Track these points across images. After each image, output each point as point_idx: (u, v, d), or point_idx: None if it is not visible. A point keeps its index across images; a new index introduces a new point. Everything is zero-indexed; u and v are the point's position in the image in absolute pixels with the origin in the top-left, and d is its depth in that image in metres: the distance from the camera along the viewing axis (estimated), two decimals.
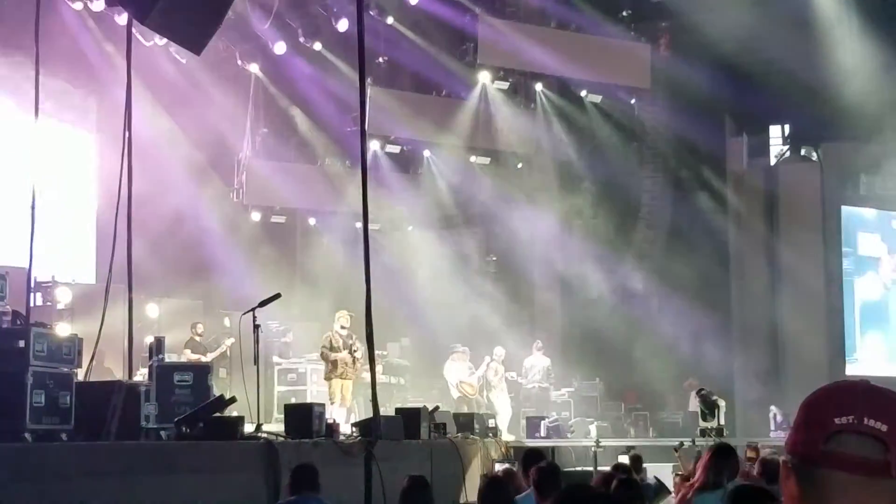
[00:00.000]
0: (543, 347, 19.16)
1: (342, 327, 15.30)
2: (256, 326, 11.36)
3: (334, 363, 15.23)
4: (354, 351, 15.23)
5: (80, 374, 9.44)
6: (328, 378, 15.44)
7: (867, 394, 1.73)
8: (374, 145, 20.65)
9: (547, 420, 17.33)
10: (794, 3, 19.21)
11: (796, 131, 23.77)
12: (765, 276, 22.61)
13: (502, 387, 18.33)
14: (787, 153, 23.83)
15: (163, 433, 9.12)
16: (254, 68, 19.64)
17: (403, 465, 10.79)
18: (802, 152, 23.84)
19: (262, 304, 11.67)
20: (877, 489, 1.67)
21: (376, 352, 16.65)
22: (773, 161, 23.78)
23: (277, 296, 12.07)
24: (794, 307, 22.15)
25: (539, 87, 21.26)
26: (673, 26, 20.70)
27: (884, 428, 1.67)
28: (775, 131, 23.95)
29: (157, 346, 10.55)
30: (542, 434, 16.80)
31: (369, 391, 11.69)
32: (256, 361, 11.08)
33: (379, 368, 16.77)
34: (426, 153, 21.75)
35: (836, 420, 1.69)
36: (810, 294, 22.31)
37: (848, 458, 1.67)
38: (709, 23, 19.04)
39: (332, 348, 15.27)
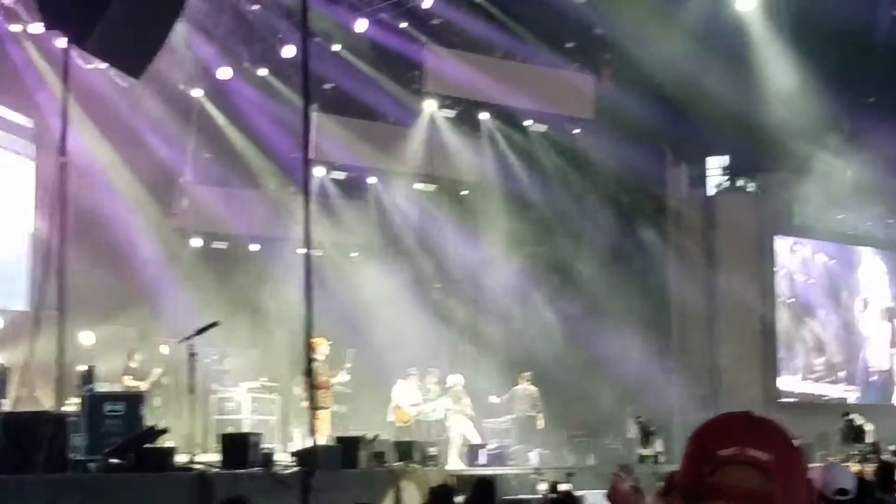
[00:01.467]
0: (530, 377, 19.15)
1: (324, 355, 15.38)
2: (192, 355, 11.26)
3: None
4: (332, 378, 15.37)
5: (7, 405, 9.29)
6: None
7: (751, 425, 1.76)
8: (319, 171, 20.59)
9: (488, 447, 17.32)
10: (731, 37, 19.57)
11: (734, 162, 24.20)
12: (703, 304, 22.92)
13: (466, 414, 18.25)
14: (725, 184, 24.24)
15: (92, 465, 8.99)
16: (197, 93, 19.53)
17: (342, 495, 10.74)
18: (740, 183, 24.27)
19: (200, 331, 11.59)
20: None
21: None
22: (711, 191, 24.16)
23: (215, 324, 11.99)
24: (731, 335, 22.50)
25: (484, 116, 21.37)
26: (616, 58, 20.95)
27: (766, 458, 1.70)
28: (714, 162, 24.36)
29: (88, 376, 10.42)
30: (483, 462, 16.75)
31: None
32: (192, 390, 10.98)
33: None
34: (372, 180, 21.74)
35: (721, 452, 1.71)
36: (746, 322, 22.69)
37: (732, 489, 1.68)
38: (650, 55, 19.31)
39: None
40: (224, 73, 18.74)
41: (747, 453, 1.70)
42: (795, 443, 1.79)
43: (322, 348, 15.31)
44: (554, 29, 19.95)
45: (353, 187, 21.78)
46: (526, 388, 19.08)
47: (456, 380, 18.34)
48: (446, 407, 18.04)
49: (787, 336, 23.88)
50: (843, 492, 5.52)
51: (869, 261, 25.18)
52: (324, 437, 14.70)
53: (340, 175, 21.20)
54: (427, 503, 7.18)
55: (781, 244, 23.82)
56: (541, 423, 18.87)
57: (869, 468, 13.02)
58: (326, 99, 19.74)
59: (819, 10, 18.83)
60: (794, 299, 24.16)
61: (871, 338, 24.96)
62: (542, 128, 21.52)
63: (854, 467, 14.64)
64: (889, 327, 25.28)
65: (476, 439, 17.86)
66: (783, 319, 23.82)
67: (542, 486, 13.94)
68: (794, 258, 24.10)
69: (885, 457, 14.82)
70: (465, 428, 18.01)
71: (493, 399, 19.11)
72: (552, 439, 19.49)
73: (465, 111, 21.07)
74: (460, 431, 17.94)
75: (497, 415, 19.41)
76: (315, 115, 18.83)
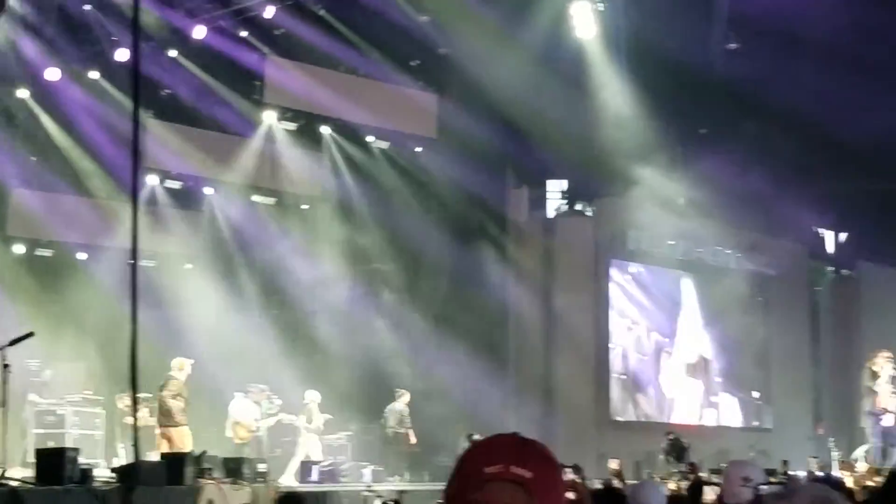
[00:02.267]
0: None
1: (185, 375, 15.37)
2: (5, 366, 10.70)
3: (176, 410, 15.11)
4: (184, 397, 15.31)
5: None
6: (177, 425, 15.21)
7: (516, 445, 1.84)
8: (152, 180, 20.04)
9: (321, 464, 17.15)
10: (571, 64, 20.02)
11: (572, 186, 24.74)
12: (541, 325, 23.29)
13: (318, 432, 18.11)
14: (564, 207, 24.74)
15: None
16: (23, 93, 18.69)
17: None
18: (578, 207, 24.82)
19: (13, 342, 11.05)
20: None
21: (145, 395, 16.21)
22: (551, 214, 24.61)
23: (30, 334, 11.45)
24: (566, 355, 22.92)
25: (326, 129, 21.19)
26: (459, 79, 21.13)
27: (528, 475, 1.78)
28: (553, 185, 24.84)
29: None
30: (315, 478, 16.59)
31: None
32: (3, 403, 10.43)
33: (146, 412, 16.24)
34: (208, 191, 21.22)
35: (487, 469, 1.79)
36: (581, 345, 23.18)
37: None
38: (493, 77, 19.57)
39: (175, 395, 15.15)
40: (52, 73, 17.97)
41: (511, 471, 1.78)
42: (556, 462, 1.88)
43: (186, 367, 15.41)
44: (399, 46, 20.00)
45: (188, 197, 21.25)
46: (395, 405, 19.05)
47: (312, 396, 18.17)
48: (300, 424, 17.96)
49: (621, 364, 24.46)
50: None
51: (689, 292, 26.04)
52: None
53: (175, 184, 20.64)
54: None
55: (617, 268, 24.39)
56: (413, 440, 18.89)
57: (685, 485, 13.51)
58: (162, 106, 19.23)
59: (656, 40, 19.47)
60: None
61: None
62: (385, 144, 21.51)
63: (671, 485, 15.14)
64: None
65: (320, 456, 17.69)
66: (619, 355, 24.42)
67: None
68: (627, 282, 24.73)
69: (703, 475, 15.33)
70: (312, 445, 17.81)
71: (327, 416, 18.87)
72: (389, 456, 19.42)
73: (306, 124, 20.86)
74: (307, 449, 17.78)
75: (331, 432, 19.21)
76: (149, 122, 18.32)
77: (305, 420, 17.98)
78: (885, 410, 17.20)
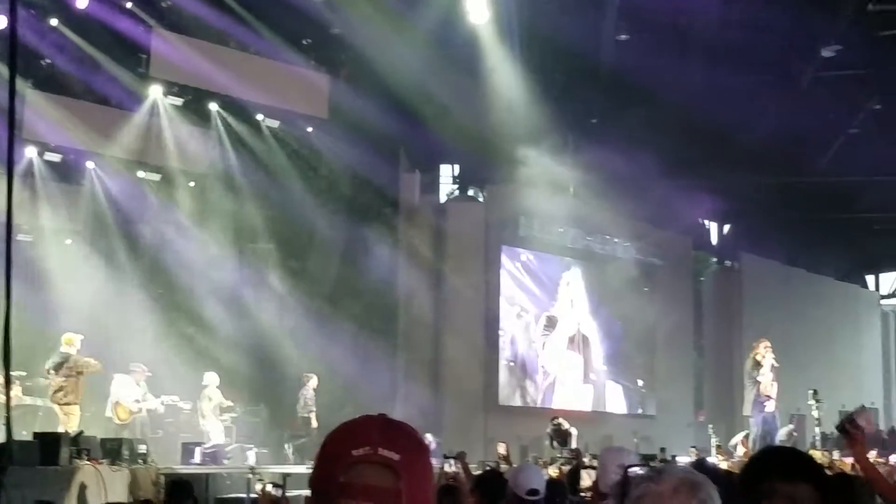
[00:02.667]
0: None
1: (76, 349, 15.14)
2: None
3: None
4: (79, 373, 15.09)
5: None
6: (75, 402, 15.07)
7: (383, 426, 1.83)
8: (30, 152, 19.41)
9: (203, 446, 16.90)
10: (463, 50, 20.09)
11: (464, 171, 24.85)
12: (431, 309, 23.34)
13: (216, 415, 17.87)
14: (456, 192, 24.83)
15: None
16: None
17: (37, 492, 10.23)
18: (470, 192, 24.93)
19: None
20: None
21: (19, 372, 15.72)
22: (443, 199, 24.67)
23: None
24: (456, 339, 23.02)
25: (214, 106, 20.81)
26: (352, 59, 21.01)
27: (396, 457, 1.78)
28: (446, 170, 24.92)
29: None
30: (197, 461, 16.37)
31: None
32: None
33: (18, 390, 15.76)
34: (90, 164, 20.61)
35: (354, 452, 1.77)
36: (470, 330, 23.30)
37: (363, 487, 1.75)
38: (386, 59, 19.50)
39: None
40: None
41: (378, 453, 1.77)
42: (424, 444, 1.88)
43: (75, 342, 15.25)
44: (291, 25, 19.80)
45: (69, 171, 20.60)
46: (304, 390, 19.04)
47: (211, 378, 17.97)
48: (201, 407, 17.74)
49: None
50: (533, 492, 5.69)
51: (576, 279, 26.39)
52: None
53: (55, 157, 19.98)
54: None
55: (507, 254, 24.53)
56: (314, 423, 18.79)
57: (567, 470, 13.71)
58: (42, 76, 18.64)
59: (549, 29, 19.66)
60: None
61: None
62: (275, 123, 21.24)
63: (552, 470, 15.35)
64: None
65: (221, 439, 17.54)
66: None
67: (259, 487, 13.71)
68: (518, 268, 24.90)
69: (585, 460, 15.57)
70: (215, 427, 17.74)
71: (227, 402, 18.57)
72: (273, 439, 19.25)
73: (193, 100, 20.43)
74: (211, 430, 17.66)
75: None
76: (27, 92, 17.74)
77: (207, 402, 17.68)
78: (768, 397, 17.73)
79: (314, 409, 18.87)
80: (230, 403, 18.33)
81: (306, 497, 1.82)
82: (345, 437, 1.81)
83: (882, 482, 5.04)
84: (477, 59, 20.47)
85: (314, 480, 1.81)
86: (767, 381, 17.75)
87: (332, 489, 1.76)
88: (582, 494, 8.40)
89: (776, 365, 17.95)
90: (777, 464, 2.70)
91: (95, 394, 17.40)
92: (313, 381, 19.09)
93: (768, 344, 18.24)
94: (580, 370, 25.95)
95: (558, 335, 25.50)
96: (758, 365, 17.93)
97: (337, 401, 19.96)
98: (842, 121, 25.84)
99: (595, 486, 5.93)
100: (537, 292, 25.20)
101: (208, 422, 17.81)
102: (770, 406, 17.73)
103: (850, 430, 4.75)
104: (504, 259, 24.39)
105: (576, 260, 26.04)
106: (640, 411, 27.12)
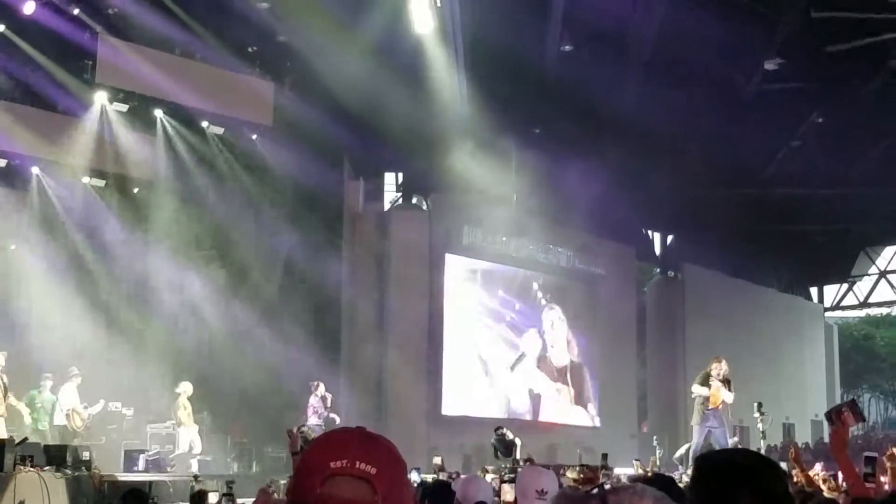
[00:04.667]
0: None
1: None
2: None
3: None
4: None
5: None
6: None
7: (361, 439, 1.82)
8: None
9: (146, 453, 16.86)
10: (408, 57, 20.25)
11: (408, 180, 24.99)
12: (374, 318, 23.37)
13: (191, 422, 17.77)
14: (400, 200, 24.96)
15: None
16: None
17: None
18: (414, 200, 25.07)
19: None
20: None
21: None
22: (386, 206, 24.79)
23: None
24: (399, 349, 23.07)
25: (160, 112, 20.81)
26: (297, 67, 21.11)
27: (373, 471, 1.77)
28: (390, 178, 25.06)
29: None
30: (141, 468, 16.33)
31: None
32: None
33: None
34: (35, 170, 20.51)
35: (332, 464, 1.77)
36: (413, 338, 23.36)
37: (340, 500, 1.74)
38: (331, 68, 19.64)
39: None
40: None
41: (356, 466, 1.76)
42: (401, 459, 1.87)
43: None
44: (236, 32, 19.88)
45: (13, 176, 20.46)
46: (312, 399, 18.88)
47: (185, 387, 17.90)
48: (177, 414, 17.69)
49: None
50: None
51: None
52: None
53: (1, 162, 19.86)
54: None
55: (451, 262, 24.61)
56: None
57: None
58: None
59: (493, 39, 19.90)
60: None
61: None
62: (220, 130, 21.25)
63: (488, 477, 15.40)
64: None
65: (197, 448, 17.59)
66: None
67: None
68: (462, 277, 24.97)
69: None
70: (193, 435, 17.71)
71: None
72: (215, 446, 19.19)
73: (139, 106, 20.39)
74: (189, 438, 17.62)
75: (160, 420, 18.87)
76: None
77: (182, 410, 17.66)
78: (717, 407, 17.81)
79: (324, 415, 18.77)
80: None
81: None
82: (323, 450, 1.80)
83: (854, 478, 5.17)
84: (421, 69, 20.65)
85: (293, 491, 1.82)
86: (717, 393, 17.76)
87: (309, 500, 1.76)
88: None
89: (728, 380, 17.98)
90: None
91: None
92: (321, 389, 18.96)
93: (725, 364, 18.23)
94: (524, 380, 26.09)
95: (506, 353, 25.64)
96: (708, 378, 17.96)
97: (281, 409, 19.98)
98: (785, 133, 26.32)
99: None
100: (482, 300, 25.32)
101: (187, 430, 17.72)
102: (716, 419, 17.75)
103: (834, 421, 4.88)
104: (448, 267, 24.42)
105: (520, 269, 26.14)
106: (584, 422, 27.24)
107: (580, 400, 27.32)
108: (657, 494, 2.30)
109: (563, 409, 26.80)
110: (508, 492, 9.74)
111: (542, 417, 26.07)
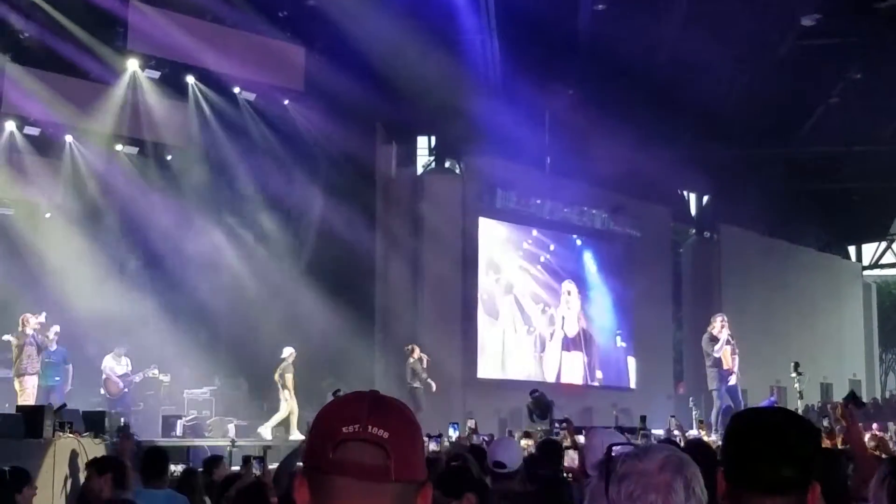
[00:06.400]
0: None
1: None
2: None
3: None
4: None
5: None
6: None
7: (373, 404, 1.80)
8: (9, 125, 19.42)
9: (184, 419, 17.01)
10: (440, 22, 20.07)
11: (441, 143, 24.85)
12: (408, 282, 23.35)
13: (290, 388, 17.94)
14: (433, 164, 24.84)
15: None
16: None
17: (20, 464, 10.28)
18: (446, 164, 24.95)
19: None
20: (379, 492, 1.76)
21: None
22: (419, 171, 24.69)
23: None
24: (434, 313, 23.05)
25: (191, 79, 20.78)
26: (329, 31, 20.97)
27: (385, 435, 1.76)
28: (423, 142, 24.91)
29: None
30: (179, 433, 16.47)
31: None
32: None
33: None
34: (68, 138, 20.60)
35: (344, 429, 1.76)
36: (448, 302, 23.32)
37: (353, 465, 1.75)
38: (362, 31, 19.49)
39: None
40: None
41: (368, 431, 1.76)
42: (415, 422, 1.85)
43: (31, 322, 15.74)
44: None
45: (47, 145, 20.58)
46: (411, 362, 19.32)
47: (288, 351, 18.13)
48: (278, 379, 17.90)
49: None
50: (499, 464, 5.73)
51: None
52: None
53: (34, 131, 19.96)
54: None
55: (485, 226, 24.47)
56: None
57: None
58: (21, 50, 18.61)
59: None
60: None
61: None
62: (251, 96, 21.22)
63: (525, 441, 15.39)
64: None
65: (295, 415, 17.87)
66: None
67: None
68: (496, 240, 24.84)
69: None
70: (292, 402, 17.98)
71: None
72: (252, 412, 19.32)
73: (170, 73, 20.39)
74: (291, 405, 17.91)
75: (196, 386, 19.03)
76: (7, 66, 17.75)
77: (288, 374, 17.86)
78: (731, 371, 17.81)
79: (424, 378, 19.06)
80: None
81: (300, 470, 1.84)
82: (335, 414, 1.80)
83: (864, 453, 5.15)
84: (453, 31, 20.46)
85: (306, 455, 1.82)
86: (727, 354, 17.79)
87: (323, 465, 1.77)
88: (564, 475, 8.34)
89: (731, 340, 17.99)
90: (757, 472, 2.43)
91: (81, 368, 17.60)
92: (417, 352, 19.04)
93: (725, 319, 18.29)
94: (559, 344, 26.00)
95: (543, 318, 25.52)
96: (714, 339, 17.97)
97: (316, 373, 20.06)
98: (822, 90, 25.93)
99: (581, 467, 5.89)
100: (517, 264, 25.19)
101: (286, 394, 17.88)
102: (733, 380, 17.79)
103: (850, 408, 4.85)
104: (482, 231, 24.29)
105: (555, 232, 25.99)
106: (619, 383, 27.16)
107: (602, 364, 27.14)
108: (666, 455, 2.32)
109: (590, 372, 26.71)
110: (568, 458, 9.58)
111: (570, 380, 25.94)
